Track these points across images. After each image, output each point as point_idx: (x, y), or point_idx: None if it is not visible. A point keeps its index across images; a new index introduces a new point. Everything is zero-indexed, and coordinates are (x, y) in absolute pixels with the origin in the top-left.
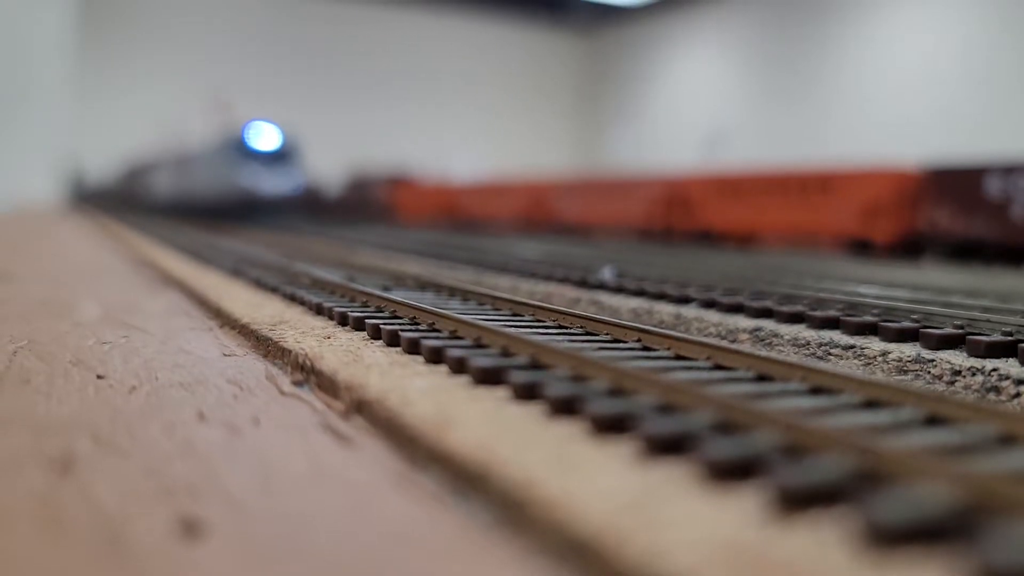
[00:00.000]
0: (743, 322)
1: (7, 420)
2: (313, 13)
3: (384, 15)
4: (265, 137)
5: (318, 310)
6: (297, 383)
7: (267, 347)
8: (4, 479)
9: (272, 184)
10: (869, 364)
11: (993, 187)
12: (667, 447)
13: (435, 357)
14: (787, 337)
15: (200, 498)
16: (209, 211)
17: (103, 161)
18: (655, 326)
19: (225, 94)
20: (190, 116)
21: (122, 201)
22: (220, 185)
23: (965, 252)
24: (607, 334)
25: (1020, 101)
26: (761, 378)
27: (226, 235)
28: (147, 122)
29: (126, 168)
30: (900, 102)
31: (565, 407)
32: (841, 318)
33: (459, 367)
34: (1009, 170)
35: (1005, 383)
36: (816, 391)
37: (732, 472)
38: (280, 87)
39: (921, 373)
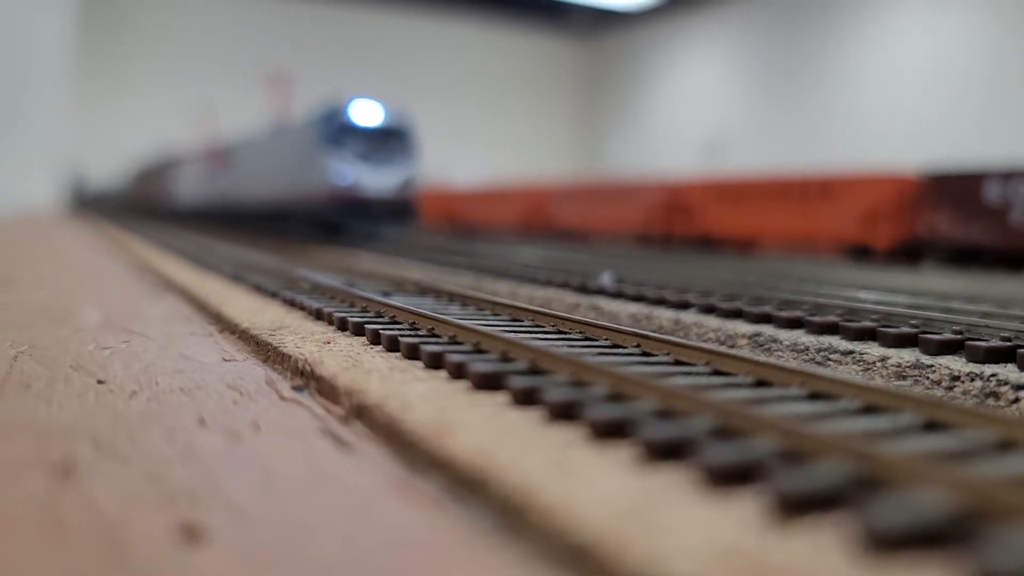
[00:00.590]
0: (742, 327)
1: (8, 425)
2: (313, 17)
3: (383, 19)
4: (367, 116)
5: (318, 315)
6: (297, 388)
7: (267, 352)
8: (5, 484)
9: (376, 181)
10: (868, 369)
11: (992, 193)
12: (666, 452)
13: (434, 362)
14: (786, 342)
15: (201, 504)
16: (276, 219)
17: (104, 165)
18: (654, 331)
19: (283, 70)
20: (230, 98)
21: (130, 206)
22: (299, 183)
23: (964, 257)
24: (606, 339)
25: (1022, 106)
26: (760, 383)
27: (227, 240)
28: (147, 126)
29: (136, 169)
30: (901, 108)
31: (564, 412)
32: (840, 323)
33: (458, 372)
34: (1008, 176)
35: (1004, 388)
36: (815, 396)
37: (731, 477)
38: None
39: (920, 379)
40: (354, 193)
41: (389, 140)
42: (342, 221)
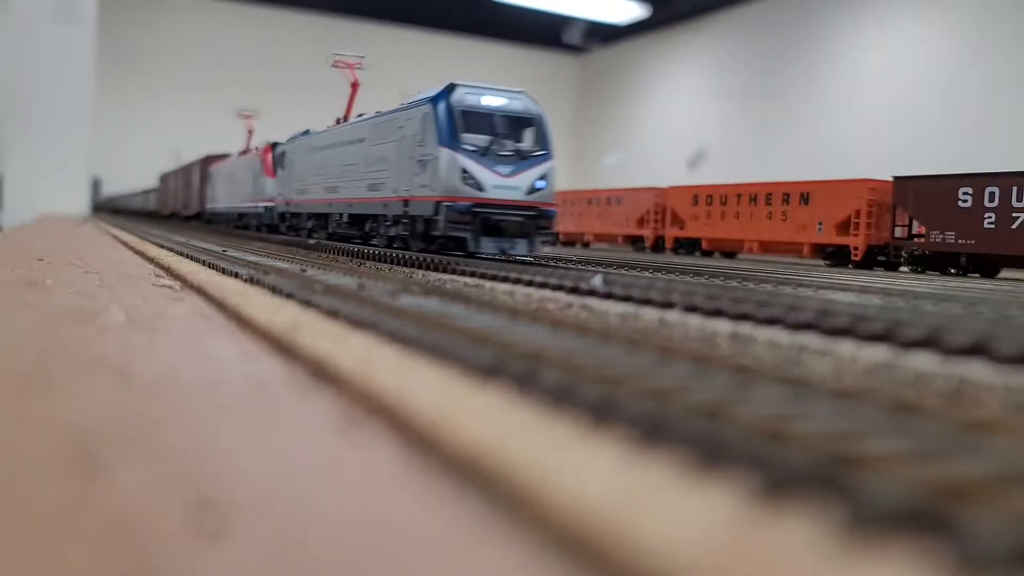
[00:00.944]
0: (723, 326)
1: (32, 422)
2: (323, 30)
3: (385, 33)
4: (488, 100)
5: (332, 315)
6: (312, 384)
7: (284, 349)
8: (27, 481)
9: (503, 184)
10: (840, 366)
11: (966, 198)
12: (658, 442)
13: (440, 358)
14: (763, 340)
15: (221, 497)
16: (359, 232)
17: (123, 174)
18: (641, 330)
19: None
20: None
21: (154, 214)
22: (396, 187)
23: (939, 261)
24: (599, 335)
25: (996, 133)
26: (742, 371)
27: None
28: (165, 135)
29: (164, 176)
30: (886, 120)
31: (562, 404)
32: (814, 322)
33: (463, 368)
34: (981, 182)
35: (971, 387)
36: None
37: (719, 464)
38: (291, 104)
39: (890, 375)
40: (476, 199)
41: (518, 130)
42: (459, 237)
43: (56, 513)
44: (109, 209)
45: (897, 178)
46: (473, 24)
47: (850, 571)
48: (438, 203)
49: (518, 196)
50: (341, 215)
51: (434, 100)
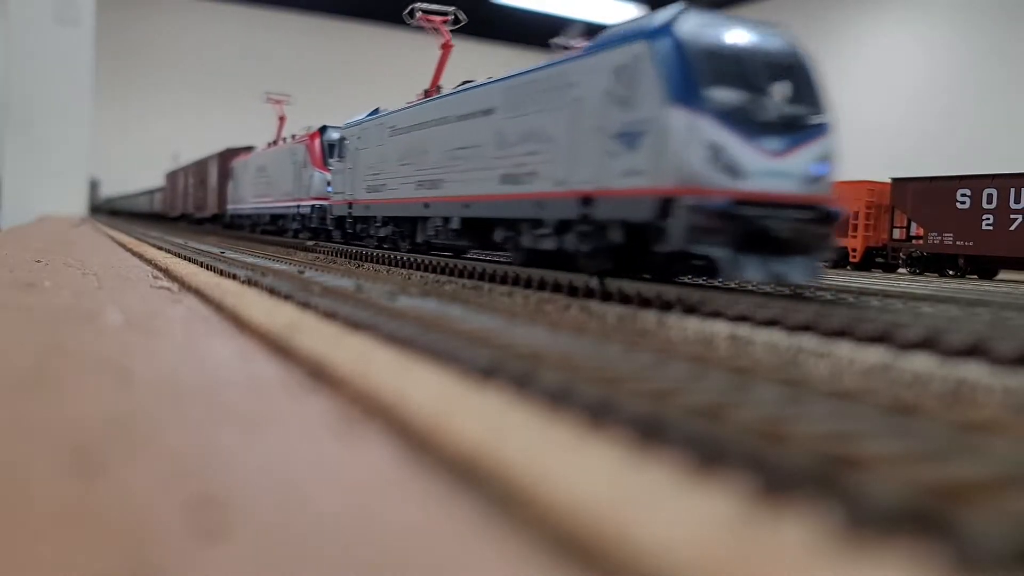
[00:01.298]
0: (721, 327)
1: (30, 422)
2: (320, 30)
3: (384, 34)
4: (733, 38)
5: (329, 316)
6: (309, 385)
7: (281, 350)
8: (26, 481)
9: (770, 168)
10: (838, 367)
11: (964, 200)
12: (658, 442)
13: (438, 359)
14: (762, 341)
15: (220, 498)
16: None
17: (122, 174)
18: (639, 332)
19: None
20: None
21: (159, 216)
22: (575, 173)
23: (937, 262)
24: (598, 336)
25: (995, 135)
26: (741, 372)
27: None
28: (163, 136)
29: (173, 173)
30: (878, 129)
31: (562, 404)
32: (812, 324)
33: (461, 368)
34: (980, 184)
35: (969, 388)
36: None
37: (717, 465)
38: (292, 105)
39: (889, 377)
40: (734, 192)
41: (781, 85)
42: (706, 252)
43: (55, 513)
44: (108, 211)
45: (895, 179)
46: (472, 25)
47: (848, 572)
48: (667, 199)
49: (792, 187)
50: (447, 219)
51: (653, 35)
